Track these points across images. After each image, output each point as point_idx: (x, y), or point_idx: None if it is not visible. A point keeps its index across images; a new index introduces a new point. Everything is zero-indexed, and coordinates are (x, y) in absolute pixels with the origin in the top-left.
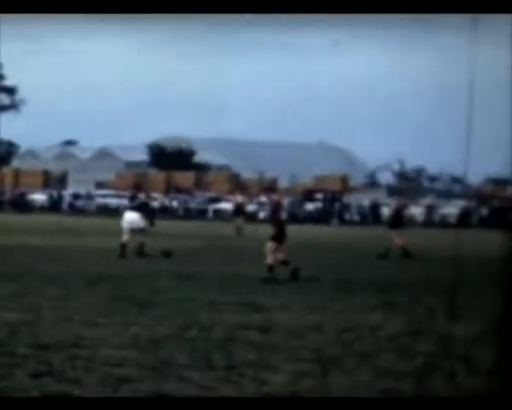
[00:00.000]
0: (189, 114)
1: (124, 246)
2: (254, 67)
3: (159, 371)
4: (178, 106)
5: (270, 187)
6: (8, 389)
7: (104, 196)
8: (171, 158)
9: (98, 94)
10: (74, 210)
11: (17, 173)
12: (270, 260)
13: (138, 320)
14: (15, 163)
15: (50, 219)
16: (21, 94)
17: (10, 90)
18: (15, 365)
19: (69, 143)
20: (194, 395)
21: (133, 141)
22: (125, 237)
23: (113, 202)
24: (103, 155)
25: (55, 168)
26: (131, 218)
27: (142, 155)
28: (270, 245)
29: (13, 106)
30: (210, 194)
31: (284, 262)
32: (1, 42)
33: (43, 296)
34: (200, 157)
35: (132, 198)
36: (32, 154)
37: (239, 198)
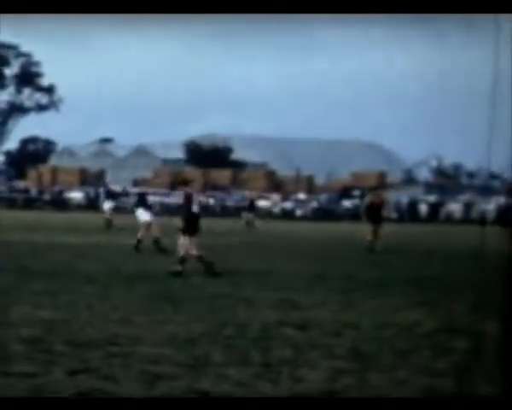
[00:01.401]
0: (226, 112)
1: (156, 240)
2: (292, 66)
3: (195, 368)
4: (216, 104)
5: (184, 180)
6: (44, 386)
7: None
8: (207, 156)
9: (136, 92)
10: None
11: (54, 171)
12: (181, 252)
13: (174, 318)
14: (53, 161)
15: (87, 216)
16: (60, 93)
17: (49, 89)
18: (52, 362)
19: (106, 140)
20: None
21: (170, 139)
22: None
23: (150, 199)
24: (140, 152)
25: (92, 166)
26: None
27: (178, 153)
28: (181, 239)
29: (51, 105)
30: (247, 191)
31: (200, 258)
32: (40, 41)
33: (80, 294)
34: (237, 155)
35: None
36: (69, 152)
37: (251, 194)
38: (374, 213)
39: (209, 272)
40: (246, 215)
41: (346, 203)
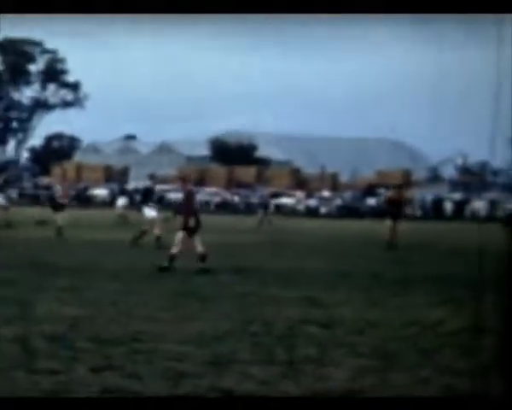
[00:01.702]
0: (251, 109)
1: (157, 238)
2: (317, 65)
3: (219, 366)
4: (241, 101)
5: (184, 177)
6: (68, 383)
7: (165, 191)
8: (232, 153)
9: (160, 89)
10: (135, 205)
11: (79, 168)
12: (175, 249)
13: (200, 315)
14: (77, 158)
15: (111, 213)
16: (85, 89)
17: (74, 86)
18: (76, 359)
19: (130, 137)
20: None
21: (194, 136)
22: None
23: (174, 196)
24: (164, 149)
25: (117, 163)
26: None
27: (203, 150)
28: (180, 235)
29: (76, 101)
30: (271, 189)
31: (202, 256)
32: (65, 37)
33: (104, 291)
34: (262, 152)
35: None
36: (93, 148)
37: (265, 191)
38: (393, 210)
39: (201, 269)
40: (260, 212)
41: (371, 201)
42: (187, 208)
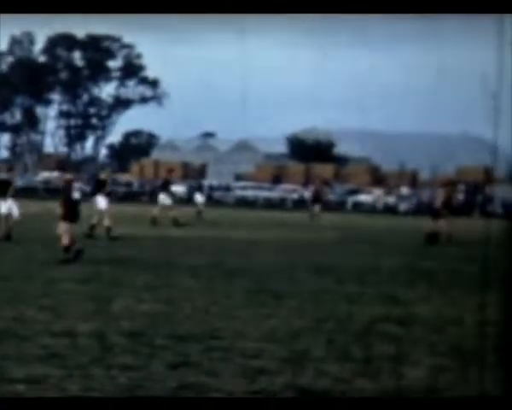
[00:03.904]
0: (328, 106)
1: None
2: (392, 60)
3: (295, 363)
4: (318, 98)
5: (61, 165)
6: (144, 379)
7: (243, 187)
8: (310, 150)
9: (238, 86)
10: (212, 202)
11: (157, 165)
12: (65, 240)
13: (275, 312)
14: (155, 155)
15: (188, 210)
16: (163, 86)
17: (153, 83)
18: (153, 356)
19: (208, 135)
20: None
21: (272, 133)
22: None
23: (251, 193)
24: (242, 147)
25: (195, 160)
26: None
27: (281, 148)
28: (62, 226)
29: (155, 98)
30: (349, 186)
31: (68, 247)
32: (143, 35)
33: (181, 287)
34: (340, 149)
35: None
36: (171, 146)
37: (316, 186)
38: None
39: (76, 258)
40: (311, 207)
41: None
42: (65, 198)
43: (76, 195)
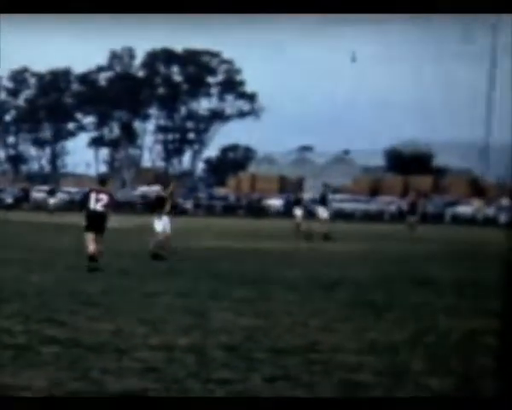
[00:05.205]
0: (426, 118)
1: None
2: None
3: (395, 376)
4: (416, 110)
5: (102, 180)
6: (242, 392)
7: (341, 200)
8: (408, 162)
9: (334, 99)
10: (310, 215)
11: (254, 179)
12: (90, 250)
13: (375, 325)
14: (252, 169)
15: (285, 223)
16: (260, 100)
17: (251, 97)
18: (251, 369)
19: (306, 148)
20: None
21: (369, 146)
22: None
23: (349, 206)
24: (340, 160)
25: (291, 174)
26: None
27: (378, 160)
28: (88, 235)
29: (252, 112)
30: (448, 197)
31: (93, 256)
32: (242, 48)
33: (279, 301)
34: (439, 161)
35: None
36: (268, 159)
37: (412, 197)
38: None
39: (91, 269)
40: (408, 218)
41: None
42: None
43: (97, 206)
